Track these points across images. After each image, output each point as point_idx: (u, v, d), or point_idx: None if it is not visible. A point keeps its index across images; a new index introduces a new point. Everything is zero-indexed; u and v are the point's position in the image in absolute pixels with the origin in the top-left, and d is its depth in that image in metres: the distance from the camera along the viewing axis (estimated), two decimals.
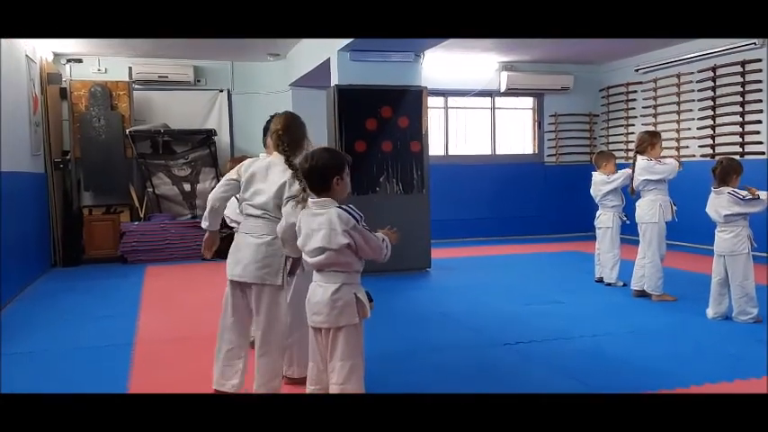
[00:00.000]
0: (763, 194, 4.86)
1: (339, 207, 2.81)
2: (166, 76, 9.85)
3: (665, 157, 6.02)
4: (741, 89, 8.53)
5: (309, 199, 2.92)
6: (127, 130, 9.19)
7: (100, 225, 9.02)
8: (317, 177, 2.87)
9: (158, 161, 9.61)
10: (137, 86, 9.73)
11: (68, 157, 9.16)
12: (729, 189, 4.93)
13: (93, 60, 9.62)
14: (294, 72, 9.79)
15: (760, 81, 8.29)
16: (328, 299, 2.84)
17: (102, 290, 6.99)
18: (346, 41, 7.18)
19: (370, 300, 2.91)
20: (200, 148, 9.77)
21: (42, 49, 8.45)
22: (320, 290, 2.88)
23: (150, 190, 9.50)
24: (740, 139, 8.57)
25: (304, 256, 2.94)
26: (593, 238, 6.93)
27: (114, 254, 8.81)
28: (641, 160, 5.81)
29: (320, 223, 2.81)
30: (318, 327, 2.90)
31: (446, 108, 10.85)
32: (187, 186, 9.62)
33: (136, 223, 8.99)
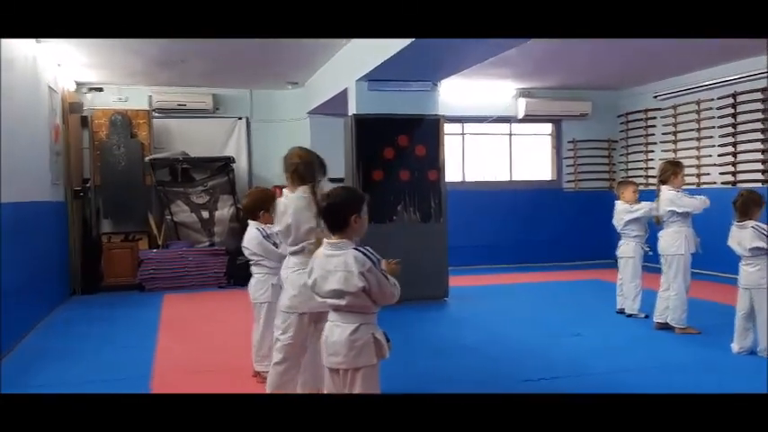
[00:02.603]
0: None
1: (356, 249, 2.78)
2: (185, 105, 9.95)
3: (689, 182, 5.93)
4: (762, 116, 8.44)
5: (325, 240, 2.90)
6: (146, 158, 9.27)
7: (119, 252, 9.07)
8: (334, 215, 2.85)
9: (177, 188, 9.68)
10: (156, 115, 9.85)
11: (88, 184, 9.25)
12: (753, 223, 4.84)
13: (113, 89, 9.75)
14: (312, 100, 9.85)
15: None
16: (346, 339, 2.80)
17: (120, 319, 7.00)
18: (364, 72, 7.20)
19: (388, 340, 2.87)
20: (219, 176, 9.83)
21: (64, 80, 8.58)
22: (338, 330, 2.84)
23: (169, 217, 9.55)
24: (762, 167, 8.45)
25: (318, 298, 2.90)
26: (613, 265, 6.84)
27: (133, 281, 8.84)
28: (667, 191, 5.74)
29: (336, 265, 2.78)
30: (336, 368, 2.86)
31: (463, 134, 10.84)
32: (205, 214, 9.66)
33: (154, 251, 9.03)
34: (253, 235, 4.51)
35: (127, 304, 7.89)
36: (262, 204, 4.51)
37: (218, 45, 7.34)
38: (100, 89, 9.62)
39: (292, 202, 3.58)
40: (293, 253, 3.62)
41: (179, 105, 9.93)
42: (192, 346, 5.71)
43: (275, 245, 4.48)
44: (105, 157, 9.23)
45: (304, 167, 3.59)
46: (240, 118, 10.26)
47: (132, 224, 9.41)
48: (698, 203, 5.67)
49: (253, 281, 4.54)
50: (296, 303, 3.57)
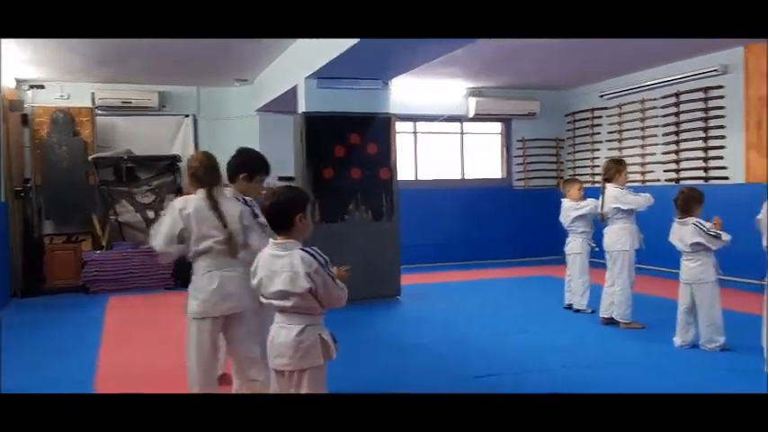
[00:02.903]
0: (725, 236, 4.91)
1: (303, 249, 2.73)
2: (130, 102, 9.70)
3: (634, 179, 6.06)
4: (704, 114, 8.68)
5: (271, 239, 2.85)
6: (89, 157, 9.01)
7: (61, 254, 8.80)
8: (279, 215, 2.80)
9: (121, 188, 9.43)
10: (100, 112, 9.57)
11: (29, 184, 8.94)
12: (694, 220, 4.97)
13: (55, 86, 9.43)
14: (261, 98, 9.72)
15: (722, 107, 8.44)
16: (292, 340, 2.76)
17: (63, 322, 6.79)
18: (313, 69, 7.13)
19: (335, 341, 2.83)
20: (165, 175, 9.61)
21: (4, 77, 8.25)
22: (284, 331, 2.79)
23: (113, 218, 9.31)
24: (704, 164, 8.70)
25: (263, 299, 2.86)
26: (562, 262, 6.95)
27: (76, 283, 8.59)
28: (612, 188, 5.85)
29: (282, 266, 2.73)
30: (281, 369, 2.81)
31: (415, 133, 10.87)
32: (151, 214, 9.41)
33: (98, 252, 8.79)
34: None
35: (70, 307, 7.65)
36: None
37: (163, 42, 7.17)
38: (41, 86, 9.29)
39: (191, 204, 3.42)
40: (198, 254, 3.43)
41: (123, 103, 9.67)
42: (138, 349, 5.57)
43: None
44: (47, 156, 8.93)
45: (203, 171, 3.45)
46: (187, 115, 10.05)
47: (75, 225, 9.13)
48: (642, 201, 5.80)
49: None
50: (208, 308, 3.41)
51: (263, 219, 3.21)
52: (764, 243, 4.24)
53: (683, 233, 5.02)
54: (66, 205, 8.96)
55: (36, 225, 8.99)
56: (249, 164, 3.66)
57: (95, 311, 7.30)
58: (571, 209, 6.58)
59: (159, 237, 3.44)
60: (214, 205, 3.39)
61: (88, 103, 9.47)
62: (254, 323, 3.53)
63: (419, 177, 10.90)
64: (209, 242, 3.40)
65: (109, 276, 8.59)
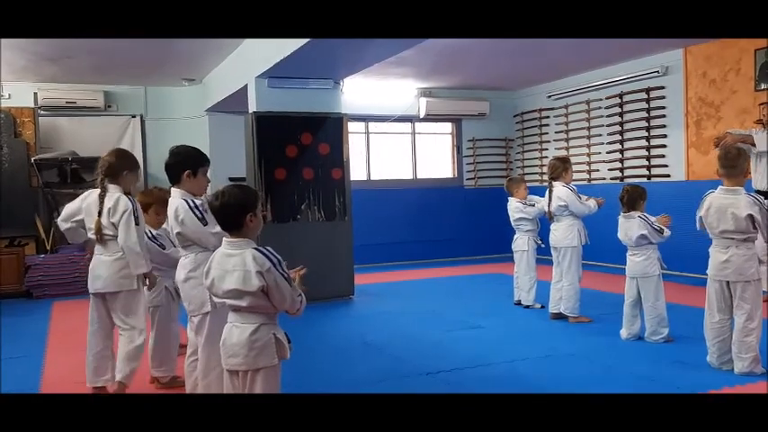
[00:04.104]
0: (667, 231, 5.11)
1: (255, 249, 2.72)
2: (75, 102, 9.45)
3: (580, 178, 6.19)
4: (646, 114, 8.96)
5: (224, 238, 2.83)
6: (32, 159, 8.75)
7: (2, 259, 8.46)
8: (229, 215, 2.79)
9: (66, 190, 9.13)
10: (43, 113, 9.30)
11: None
12: (639, 213, 5.13)
13: None
14: (210, 97, 9.60)
15: (663, 107, 8.72)
16: (246, 340, 2.74)
17: (5, 328, 6.55)
18: (264, 68, 7.08)
19: (289, 341, 2.83)
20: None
21: None
22: (237, 331, 2.77)
23: (58, 220, 9.04)
24: (647, 163, 8.97)
25: (215, 298, 2.84)
26: (510, 259, 7.07)
27: (19, 289, 8.32)
28: (560, 187, 5.97)
29: (234, 264, 2.72)
30: (235, 369, 2.79)
31: (367, 133, 10.89)
32: None
33: (42, 256, 8.53)
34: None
35: (12, 313, 7.41)
36: (145, 206, 4.36)
37: (107, 40, 7.00)
38: None
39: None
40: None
41: (68, 103, 9.42)
42: (84, 354, 5.42)
43: (162, 246, 4.37)
44: None
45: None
46: (134, 116, 9.85)
47: (17, 228, 8.82)
48: (586, 210, 5.93)
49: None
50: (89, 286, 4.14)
51: (210, 218, 3.24)
52: (698, 227, 4.41)
53: (628, 226, 5.18)
54: (8, 209, 8.66)
55: None
56: (189, 161, 3.60)
57: (40, 317, 7.10)
58: (517, 210, 6.68)
59: (61, 215, 4.26)
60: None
61: (30, 104, 9.19)
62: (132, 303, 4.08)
63: (371, 177, 10.93)
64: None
65: (54, 281, 8.35)
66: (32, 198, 8.90)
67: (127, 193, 4.05)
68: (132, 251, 3.92)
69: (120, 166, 4.06)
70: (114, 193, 4.01)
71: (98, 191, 4.02)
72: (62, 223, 4.25)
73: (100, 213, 3.98)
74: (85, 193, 4.15)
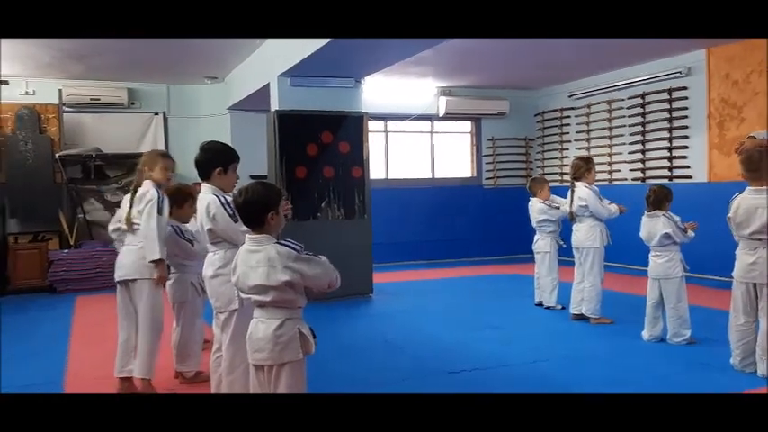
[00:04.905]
0: (691, 233, 5.10)
1: (278, 243, 2.74)
2: (99, 99, 9.56)
3: (601, 179, 6.16)
4: (669, 115, 8.88)
5: (247, 235, 2.86)
6: (56, 155, 8.86)
7: (26, 254, 8.62)
8: (252, 212, 2.81)
9: (90, 186, 9.30)
10: (67, 109, 9.41)
11: None
12: (664, 212, 5.11)
13: (20, 82, 9.25)
14: (233, 96, 9.67)
15: (686, 108, 8.65)
16: (271, 335, 2.76)
17: (29, 323, 6.67)
18: (286, 67, 7.12)
19: (314, 335, 2.85)
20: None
21: None
22: (262, 326, 2.80)
23: (81, 216, 9.16)
24: (668, 164, 8.90)
25: (242, 294, 2.86)
26: (531, 260, 7.04)
27: (42, 283, 8.44)
28: (582, 188, 5.94)
29: (258, 260, 2.75)
30: (260, 364, 2.82)
31: (386, 132, 10.90)
32: None
33: (65, 251, 8.64)
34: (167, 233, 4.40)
35: (36, 308, 7.52)
36: (174, 201, 4.40)
37: (131, 39, 7.08)
38: (5, 82, 9.09)
39: None
40: None
41: (92, 100, 9.53)
42: (108, 349, 5.45)
43: (190, 242, 4.41)
44: (12, 154, 8.75)
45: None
46: (157, 113, 9.95)
47: (42, 224, 8.95)
48: (605, 213, 5.89)
49: (170, 280, 4.41)
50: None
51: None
52: (735, 238, 4.36)
53: (652, 226, 5.15)
54: (32, 204, 8.79)
55: (0, 224, 8.81)
56: (220, 157, 3.60)
57: (63, 311, 7.19)
58: (540, 211, 6.64)
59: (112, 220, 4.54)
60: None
61: (55, 100, 9.30)
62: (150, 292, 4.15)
63: (390, 176, 10.94)
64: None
65: (77, 276, 8.45)
66: (56, 194, 9.00)
67: (159, 187, 4.17)
68: (148, 237, 4.01)
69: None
70: (146, 186, 4.15)
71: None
72: (110, 226, 4.49)
73: (131, 204, 4.14)
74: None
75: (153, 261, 4.04)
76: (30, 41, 7.27)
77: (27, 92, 9.30)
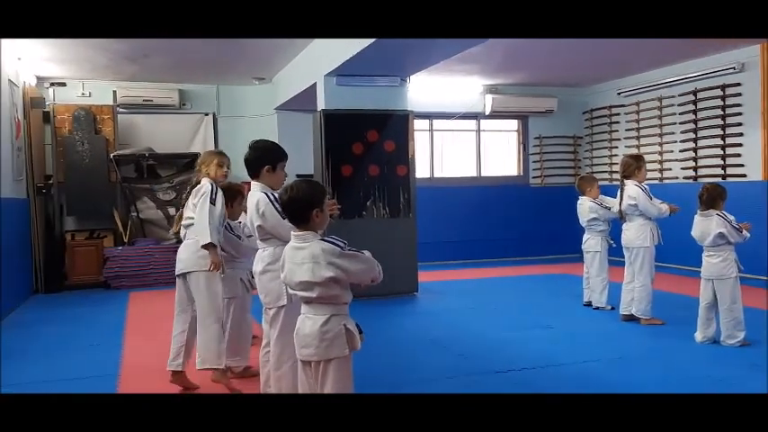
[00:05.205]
0: (746, 233, 4.97)
1: (322, 240, 2.78)
2: (151, 100, 9.81)
3: (652, 177, 6.04)
4: (722, 112, 8.65)
5: (292, 232, 2.90)
6: (111, 155, 9.11)
7: (83, 250, 8.90)
8: (297, 209, 2.85)
9: (143, 185, 9.54)
10: (121, 110, 9.68)
11: (51, 181, 9.05)
12: (717, 211, 4.98)
13: (76, 84, 9.57)
14: (280, 96, 9.80)
15: (740, 105, 8.41)
16: (318, 331, 2.79)
17: (85, 317, 6.88)
18: (332, 67, 7.18)
19: (360, 331, 2.87)
20: (186, 172, 9.68)
21: (25, 74, 8.40)
22: (309, 322, 2.83)
23: (134, 214, 9.41)
24: (722, 162, 8.66)
25: (290, 290, 2.91)
26: (579, 260, 6.95)
27: (97, 279, 8.70)
28: (632, 186, 5.83)
29: (303, 257, 2.79)
30: (307, 360, 2.85)
31: (431, 131, 10.89)
32: (172, 210, 9.51)
33: (120, 248, 8.89)
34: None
35: (92, 303, 7.76)
36: (230, 198, 4.51)
37: (183, 40, 7.26)
38: (62, 84, 9.42)
39: None
40: None
41: (144, 101, 9.79)
42: (160, 343, 5.57)
43: (239, 237, 4.50)
44: (68, 154, 9.04)
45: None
46: (207, 114, 10.15)
47: (97, 221, 9.24)
48: (655, 212, 5.77)
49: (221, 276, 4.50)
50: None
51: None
52: None
53: (705, 225, 5.03)
54: (88, 202, 9.06)
55: (57, 222, 9.11)
56: (269, 155, 3.66)
57: (118, 306, 7.41)
58: (593, 209, 6.53)
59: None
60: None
61: (109, 101, 9.58)
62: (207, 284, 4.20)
63: (435, 175, 10.92)
64: None
65: (130, 272, 8.69)
66: (111, 192, 9.27)
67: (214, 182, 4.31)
68: (200, 223, 4.11)
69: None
70: (203, 182, 4.29)
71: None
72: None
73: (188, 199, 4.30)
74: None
75: (205, 246, 4.09)
76: (88, 45, 7.51)
77: (83, 93, 9.61)
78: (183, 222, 4.34)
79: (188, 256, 4.25)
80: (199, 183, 4.33)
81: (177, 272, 4.34)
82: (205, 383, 4.34)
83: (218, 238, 4.16)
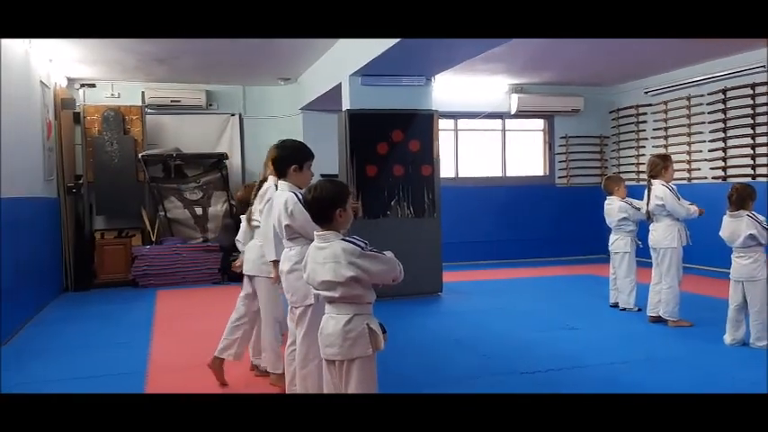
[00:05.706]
0: None
1: (344, 239, 2.80)
2: (179, 101, 9.94)
3: (680, 177, 5.96)
4: (752, 111, 8.50)
5: (315, 232, 2.92)
6: (139, 155, 9.24)
7: (112, 249, 9.04)
8: (320, 209, 2.87)
9: (170, 185, 9.66)
10: (149, 111, 9.81)
11: (81, 181, 9.21)
12: (747, 212, 4.91)
13: (106, 85, 9.72)
14: (305, 96, 9.85)
15: None
16: (341, 330, 2.81)
17: (114, 315, 6.98)
18: (357, 67, 7.21)
19: (384, 331, 2.87)
20: (212, 172, 9.82)
21: (56, 75, 8.55)
22: (332, 321, 2.85)
23: (162, 214, 9.53)
24: (751, 162, 8.52)
25: (314, 290, 2.93)
26: (605, 260, 6.88)
27: (126, 278, 8.83)
28: (659, 186, 5.76)
29: (325, 257, 2.81)
30: (332, 359, 2.87)
31: (456, 130, 10.87)
32: (199, 210, 9.65)
33: (147, 247, 9.01)
34: (245, 228, 4.54)
35: (120, 300, 7.87)
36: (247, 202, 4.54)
37: (209, 42, 7.34)
38: (92, 85, 9.57)
39: None
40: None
41: (172, 101, 9.92)
42: (188, 341, 5.70)
43: None
44: (98, 154, 9.19)
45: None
46: (233, 114, 10.24)
47: (125, 220, 9.39)
48: (683, 213, 5.68)
49: None
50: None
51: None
52: None
53: (735, 226, 4.96)
54: (117, 201, 9.20)
55: (87, 221, 9.26)
56: (296, 155, 3.69)
57: (146, 304, 7.51)
58: (622, 209, 6.45)
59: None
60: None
61: (138, 102, 9.72)
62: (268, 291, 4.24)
63: (460, 175, 10.89)
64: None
65: (158, 271, 8.80)
66: (139, 192, 9.40)
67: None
68: (267, 237, 3.96)
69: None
70: (269, 182, 4.14)
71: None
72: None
73: (255, 197, 4.33)
74: None
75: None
76: (118, 46, 7.63)
77: (112, 94, 9.77)
78: (253, 222, 4.37)
79: (254, 258, 4.31)
80: (265, 179, 4.20)
81: (244, 271, 4.46)
82: (234, 383, 4.39)
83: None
